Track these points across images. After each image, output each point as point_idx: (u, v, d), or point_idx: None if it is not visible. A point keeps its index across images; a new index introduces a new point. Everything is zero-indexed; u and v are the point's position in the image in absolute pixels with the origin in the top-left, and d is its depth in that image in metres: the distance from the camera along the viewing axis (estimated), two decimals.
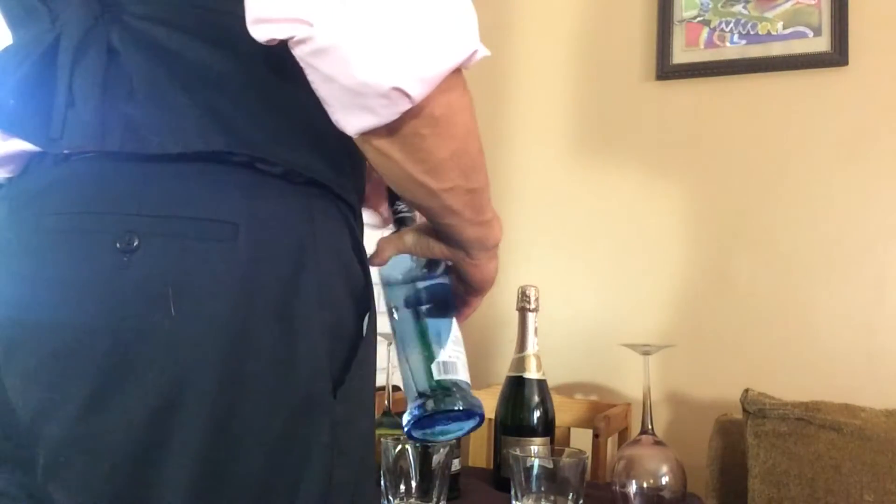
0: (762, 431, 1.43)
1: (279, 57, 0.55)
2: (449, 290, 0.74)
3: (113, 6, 0.56)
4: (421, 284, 0.73)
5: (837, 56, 1.66)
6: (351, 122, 0.53)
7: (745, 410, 1.47)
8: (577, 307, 1.82)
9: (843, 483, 1.35)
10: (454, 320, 0.73)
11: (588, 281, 1.84)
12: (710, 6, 1.78)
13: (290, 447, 0.55)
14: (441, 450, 1.07)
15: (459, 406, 0.67)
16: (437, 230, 0.68)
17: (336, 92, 0.52)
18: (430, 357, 0.69)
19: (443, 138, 0.55)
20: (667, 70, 1.80)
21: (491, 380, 1.79)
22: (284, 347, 0.55)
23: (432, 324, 0.71)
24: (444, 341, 0.70)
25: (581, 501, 1.05)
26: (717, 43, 1.77)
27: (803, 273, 1.67)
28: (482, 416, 0.69)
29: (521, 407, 1.30)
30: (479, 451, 1.69)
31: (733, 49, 1.75)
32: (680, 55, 1.79)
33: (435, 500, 1.06)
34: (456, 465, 1.22)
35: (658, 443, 1.26)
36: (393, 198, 0.79)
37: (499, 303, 1.87)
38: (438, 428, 0.69)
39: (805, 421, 1.41)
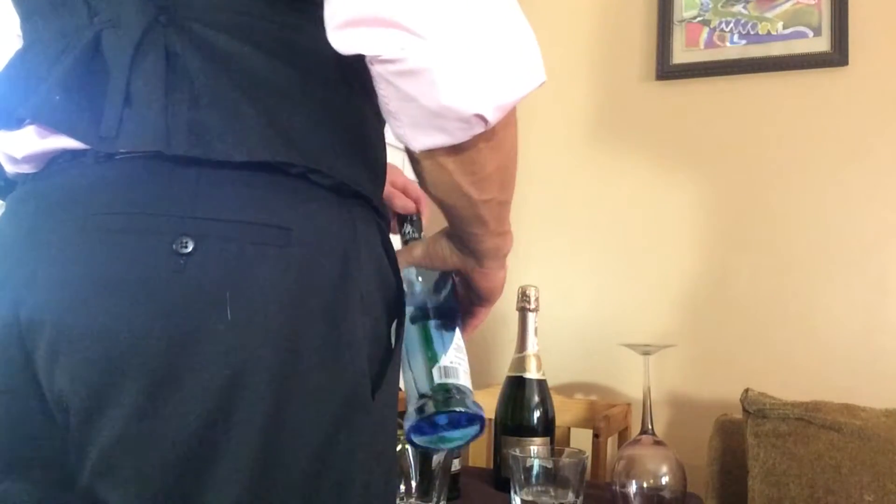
0: (762, 431, 1.43)
1: (337, 71, 0.58)
2: (454, 303, 0.76)
3: (170, 9, 0.56)
4: (428, 298, 0.75)
5: (837, 56, 1.66)
6: (420, 139, 0.56)
7: (745, 410, 1.47)
8: (577, 307, 1.82)
9: (843, 483, 1.35)
10: (457, 330, 0.74)
11: (588, 281, 1.84)
12: (710, 6, 1.78)
13: (336, 446, 0.56)
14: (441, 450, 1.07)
15: (459, 408, 0.67)
16: (455, 238, 0.71)
17: (412, 111, 0.54)
18: (432, 360, 0.70)
19: (494, 153, 0.59)
20: (667, 70, 1.80)
21: (491, 380, 1.79)
22: (332, 351, 0.56)
23: (436, 333, 0.73)
24: (447, 348, 0.72)
25: (581, 501, 1.05)
26: (717, 43, 1.77)
27: (803, 273, 1.67)
28: (483, 423, 0.69)
29: (521, 407, 1.30)
30: (479, 451, 1.69)
31: (733, 49, 1.75)
32: (680, 55, 1.79)
33: (435, 500, 1.06)
34: (456, 465, 1.22)
35: (658, 443, 1.26)
36: (402, 220, 0.80)
37: (499, 303, 1.87)
38: (439, 434, 0.70)
39: (805, 421, 1.41)
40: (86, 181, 0.55)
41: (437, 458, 1.07)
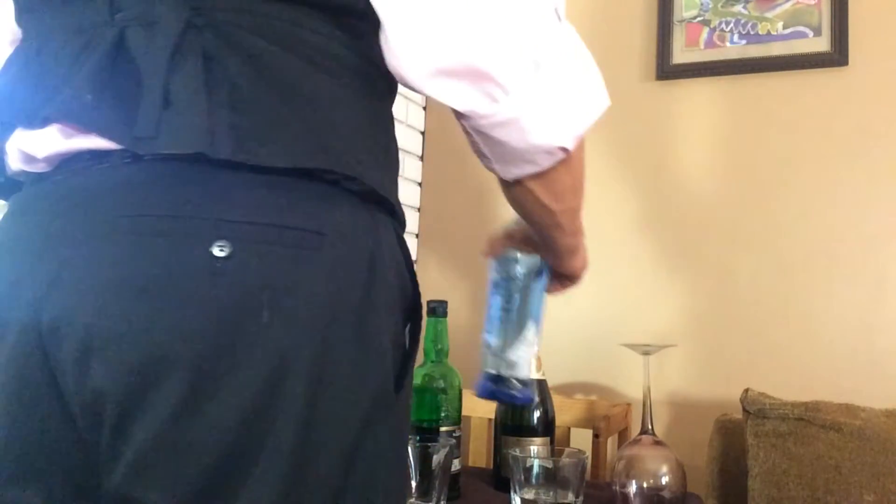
0: (762, 431, 1.43)
1: (367, 79, 0.61)
2: (542, 295, 0.91)
3: (205, 11, 0.56)
4: (520, 284, 0.90)
5: (837, 56, 1.66)
6: (512, 171, 0.65)
7: (745, 410, 1.47)
8: (577, 307, 1.82)
9: (843, 483, 1.35)
10: (537, 322, 0.90)
11: (588, 281, 1.84)
12: (710, 6, 1.78)
13: (362, 446, 0.57)
14: (441, 450, 1.07)
15: (506, 390, 0.88)
16: (535, 238, 0.81)
17: (503, 152, 0.62)
18: (503, 347, 0.88)
19: (570, 171, 0.66)
20: (667, 70, 1.80)
21: None
22: (362, 353, 0.57)
23: (518, 318, 0.89)
24: (521, 340, 0.88)
25: (581, 501, 1.05)
26: (717, 43, 1.77)
27: (803, 273, 1.67)
28: (528, 401, 1.02)
29: (522, 407, 1.30)
30: (479, 451, 1.69)
31: (733, 49, 1.75)
32: (680, 55, 1.79)
33: (435, 500, 1.06)
34: (456, 465, 1.22)
35: (658, 443, 1.26)
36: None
37: None
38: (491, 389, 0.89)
39: (805, 421, 1.41)
40: (113, 182, 0.55)
41: (437, 458, 1.06)
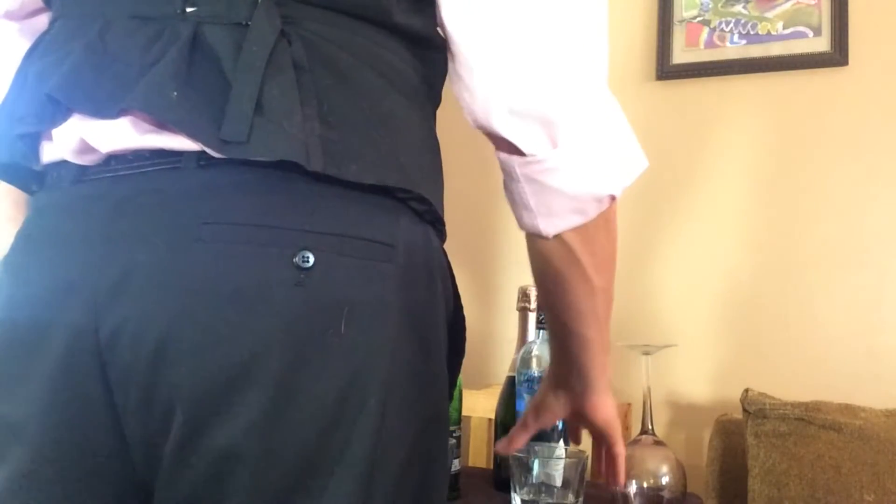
0: (762, 431, 1.43)
1: (430, 100, 0.64)
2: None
3: (295, 20, 0.55)
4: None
5: (837, 56, 1.66)
6: (557, 224, 0.65)
7: (745, 410, 1.47)
8: None
9: (843, 483, 1.35)
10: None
11: None
12: (710, 6, 1.78)
13: (421, 457, 0.58)
14: None
15: None
16: (563, 369, 0.78)
17: (550, 199, 0.63)
18: None
19: (609, 232, 0.68)
20: (667, 70, 1.80)
21: (491, 380, 1.79)
22: (424, 365, 0.58)
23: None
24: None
25: (581, 501, 1.05)
26: (717, 43, 1.76)
27: (803, 273, 1.67)
28: None
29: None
30: (479, 451, 1.69)
31: (733, 49, 1.75)
32: (680, 55, 1.79)
33: None
34: (456, 465, 1.22)
35: (658, 443, 1.26)
36: None
37: (499, 303, 1.87)
38: None
39: (805, 421, 1.41)
40: (189, 185, 0.53)
41: None
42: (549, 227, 0.65)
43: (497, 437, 1.34)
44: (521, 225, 0.67)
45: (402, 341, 0.55)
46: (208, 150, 0.52)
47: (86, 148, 0.56)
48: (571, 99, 0.60)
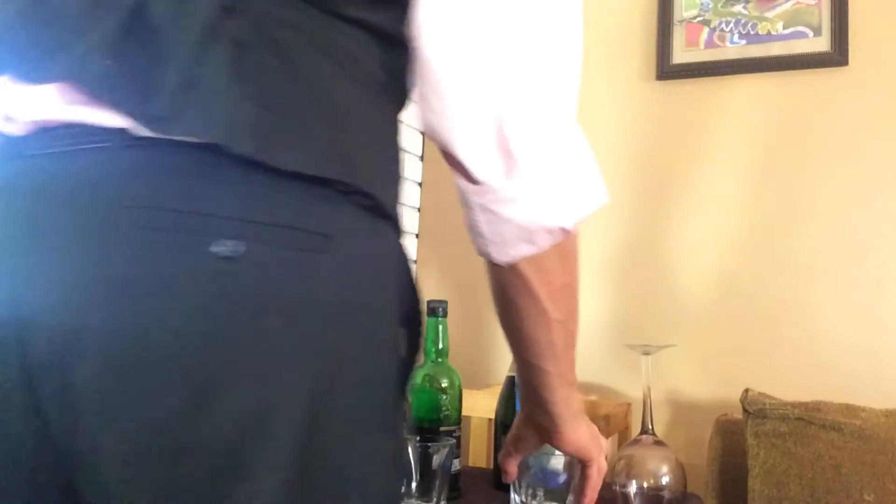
0: (762, 431, 1.43)
1: (388, 94, 0.60)
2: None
3: None
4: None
5: (837, 56, 1.66)
6: (508, 252, 0.65)
7: (745, 410, 1.47)
8: None
9: (843, 483, 1.35)
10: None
11: (588, 281, 1.84)
12: (710, 6, 1.78)
13: (365, 463, 0.54)
14: (441, 450, 1.07)
15: None
16: (528, 405, 0.79)
17: (502, 229, 0.63)
18: None
19: (566, 264, 0.68)
20: (667, 70, 1.80)
21: (491, 380, 1.78)
22: (369, 365, 0.54)
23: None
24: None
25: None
26: (717, 43, 1.77)
27: (803, 273, 1.67)
28: None
29: None
30: (479, 451, 1.69)
31: (733, 49, 1.75)
32: (680, 55, 1.79)
33: (435, 500, 1.06)
34: (456, 465, 1.22)
35: (658, 443, 1.26)
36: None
37: None
38: None
39: (805, 421, 1.41)
40: (114, 167, 0.50)
41: (437, 458, 1.06)
42: (501, 255, 0.65)
43: (497, 437, 1.34)
44: (477, 251, 0.67)
45: (343, 338, 0.52)
46: (134, 126, 0.49)
47: (5, 117, 0.53)
48: (535, 132, 0.60)
